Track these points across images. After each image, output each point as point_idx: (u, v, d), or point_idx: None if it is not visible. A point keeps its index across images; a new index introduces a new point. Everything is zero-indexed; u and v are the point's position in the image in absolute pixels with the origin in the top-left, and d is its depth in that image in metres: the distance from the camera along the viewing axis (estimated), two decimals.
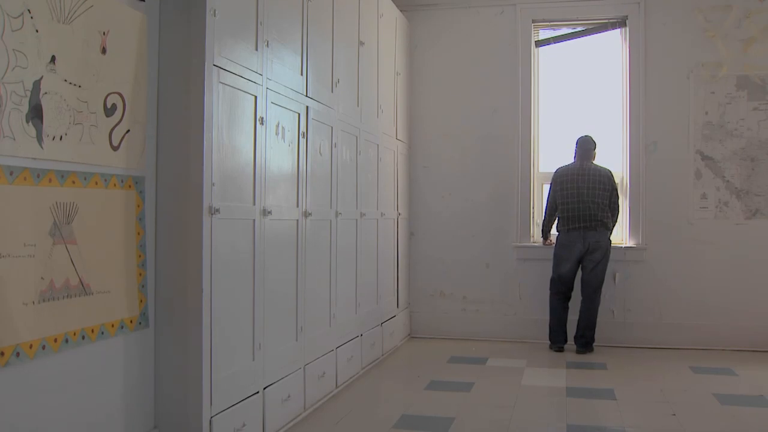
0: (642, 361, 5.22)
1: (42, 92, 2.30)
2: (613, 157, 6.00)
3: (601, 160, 5.76)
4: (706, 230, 5.73)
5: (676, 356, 5.38)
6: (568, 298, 5.60)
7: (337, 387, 4.32)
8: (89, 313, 2.54)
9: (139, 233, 2.83)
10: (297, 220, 3.75)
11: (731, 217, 5.70)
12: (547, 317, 5.66)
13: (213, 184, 2.91)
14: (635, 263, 5.79)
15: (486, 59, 6.14)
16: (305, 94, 3.84)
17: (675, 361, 5.22)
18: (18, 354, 2.21)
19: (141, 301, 2.83)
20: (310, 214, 3.86)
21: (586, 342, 5.47)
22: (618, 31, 6.01)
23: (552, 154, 6.05)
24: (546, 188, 6.12)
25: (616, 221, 5.63)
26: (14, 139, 2.19)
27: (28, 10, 2.24)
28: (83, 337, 2.51)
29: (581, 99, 6.11)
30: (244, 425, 3.15)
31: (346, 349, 4.48)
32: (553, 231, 5.80)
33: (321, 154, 4.08)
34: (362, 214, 4.79)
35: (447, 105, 6.22)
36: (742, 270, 5.64)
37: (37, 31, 2.28)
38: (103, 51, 2.61)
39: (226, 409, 3.00)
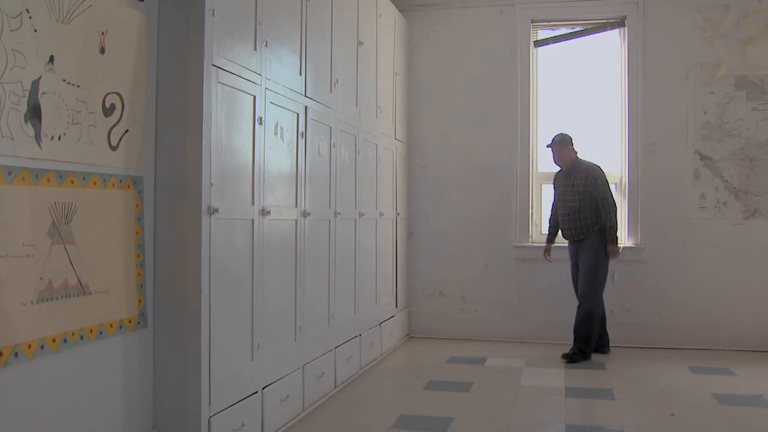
0: (641, 361, 5.22)
1: (41, 92, 2.30)
2: (612, 157, 6.00)
3: (602, 161, 5.74)
4: (705, 230, 5.73)
5: (675, 356, 5.38)
6: None
7: (335, 387, 4.32)
8: (88, 313, 2.54)
9: (137, 233, 2.83)
10: (296, 220, 3.75)
11: (730, 217, 5.70)
12: (544, 317, 5.64)
13: (212, 184, 2.91)
14: (634, 263, 5.79)
15: (485, 59, 6.14)
16: (304, 94, 3.84)
17: (674, 360, 5.22)
18: (17, 354, 2.20)
19: (140, 301, 2.83)
20: (308, 214, 3.86)
21: None
22: (617, 31, 6.01)
23: (551, 154, 6.04)
24: (546, 188, 6.12)
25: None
26: (13, 139, 2.19)
27: (27, 10, 2.24)
28: (82, 337, 2.51)
29: (580, 99, 6.11)
30: (242, 425, 3.15)
31: (344, 349, 4.48)
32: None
33: (320, 154, 4.08)
34: (361, 214, 4.78)
35: (446, 105, 6.22)
36: (741, 270, 5.64)
37: (35, 30, 2.27)
38: (102, 51, 2.61)
39: (224, 409, 3.00)
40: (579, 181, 5.27)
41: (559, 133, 5.46)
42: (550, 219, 5.62)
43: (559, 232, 5.53)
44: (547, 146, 5.44)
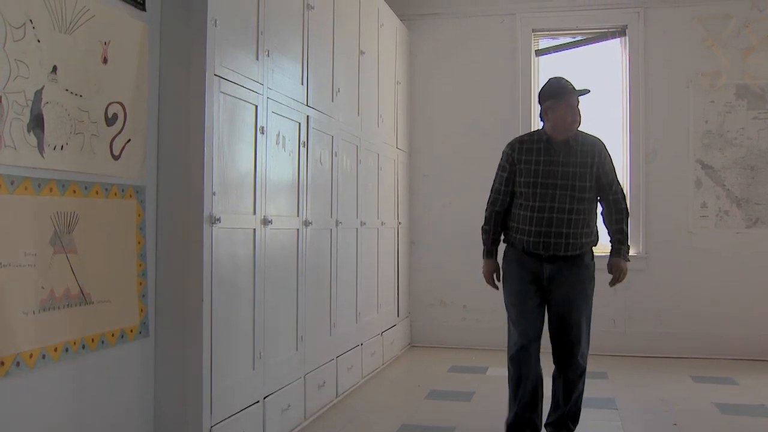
0: (643, 370, 5.20)
1: (43, 102, 2.31)
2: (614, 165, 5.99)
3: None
4: (706, 239, 5.72)
5: (676, 365, 5.37)
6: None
7: (337, 396, 4.31)
8: (89, 322, 2.54)
9: (139, 242, 2.83)
10: (297, 230, 3.75)
11: (732, 225, 5.70)
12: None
13: (213, 194, 2.91)
14: (636, 272, 5.76)
15: (486, 68, 6.15)
16: (306, 103, 3.84)
17: (676, 370, 5.21)
18: (18, 363, 2.20)
19: (141, 310, 2.83)
20: (310, 223, 3.86)
21: None
22: (618, 40, 6.03)
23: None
24: None
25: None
26: (15, 149, 2.19)
27: (30, 20, 2.25)
28: (83, 347, 2.51)
29: (581, 108, 6.10)
30: None
31: (346, 359, 4.47)
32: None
33: (321, 163, 4.08)
34: (362, 223, 4.79)
35: (447, 114, 6.23)
36: (743, 279, 5.63)
37: (38, 41, 2.28)
38: (105, 61, 2.62)
39: (226, 419, 3.00)
40: (587, 160, 3.38)
41: (561, 76, 3.52)
42: (489, 217, 3.57)
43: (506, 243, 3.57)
44: (564, 98, 3.35)
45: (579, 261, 3.36)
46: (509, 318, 3.45)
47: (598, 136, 3.52)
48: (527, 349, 3.34)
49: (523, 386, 3.34)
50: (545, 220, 3.31)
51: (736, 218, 5.69)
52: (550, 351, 3.41)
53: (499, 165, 3.53)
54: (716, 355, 5.58)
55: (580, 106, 3.40)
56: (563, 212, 3.31)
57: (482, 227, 3.61)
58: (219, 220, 2.92)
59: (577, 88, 3.38)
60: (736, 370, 5.16)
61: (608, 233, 3.50)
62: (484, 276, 3.62)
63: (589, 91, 3.39)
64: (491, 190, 3.58)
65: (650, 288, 5.77)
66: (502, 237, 3.59)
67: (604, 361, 5.49)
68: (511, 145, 3.49)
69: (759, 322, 5.58)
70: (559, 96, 3.36)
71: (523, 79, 6.08)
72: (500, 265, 3.57)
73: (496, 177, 3.55)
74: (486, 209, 3.59)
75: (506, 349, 3.46)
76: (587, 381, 3.47)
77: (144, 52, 2.83)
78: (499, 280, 3.56)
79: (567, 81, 3.43)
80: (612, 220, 3.47)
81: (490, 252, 3.58)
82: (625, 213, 3.48)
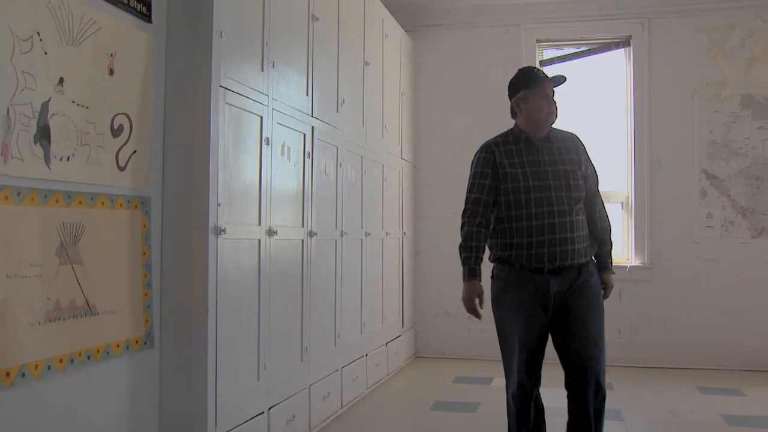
0: (648, 381, 5.18)
1: (50, 113, 2.32)
2: (619, 176, 6.00)
3: (608, 179, 5.70)
4: (711, 249, 5.71)
5: (683, 376, 5.34)
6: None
7: (342, 407, 4.30)
8: (94, 333, 2.54)
9: (144, 253, 2.83)
10: (302, 240, 3.75)
11: (737, 235, 5.68)
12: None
13: (219, 204, 2.91)
14: (641, 282, 5.77)
15: (490, 79, 6.14)
16: (311, 114, 3.86)
17: (682, 380, 5.18)
18: (23, 374, 2.21)
19: (146, 321, 2.83)
20: (315, 233, 3.86)
21: None
22: (622, 50, 6.04)
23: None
24: None
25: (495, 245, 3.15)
26: (22, 160, 2.20)
27: (38, 33, 2.26)
28: (88, 357, 2.51)
29: (586, 118, 6.12)
30: None
31: (351, 369, 4.47)
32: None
33: (326, 174, 4.09)
34: (367, 234, 4.79)
35: (452, 124, 6.24)
36: (749, 289, 5.61)
37: (45, 53, 2.30)
38: (111, 72, 2.63)
39: (230, 430, 2.99)
40: (573, 157, 3.03)
41: (532, 66, 3.36)
42: (470, 232, 3.00)
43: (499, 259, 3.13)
44: (537, 86, 3.03)
45: (585, 270, 2.93)
46: (509, 350, 3.04)
47: (574, 132, 3.19)
48: (533, 388, 3.02)
49: (527, 426, 3.04)
50: (546, 226, 2.87)
51: (741, 228, 5.68)
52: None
53: (476, 173, 3.00)
54: (723, 365, 5.55)
55: (556, 98, 3.07)
56: (564, 215, 2.88)
57: (462, 245, 3.01)
58: (224, 230, 2.93)
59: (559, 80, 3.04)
60: (743, 381, 5.13)
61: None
62: (466, 302, 3.06)
63: (565, 78, 3.05)
64: (467, 201, 3.01)
65: (656, 298, 5.75)
66: (489, 257, 3.11)
67: (610, 372, 5.41)
68: (487, 149, 3.01)
69: (766, 333, 5.55)
70: (532, 84, 3.01)
71: None
72: (495, 288, 3.16)
73: (472, 187, 2.99)
74: (463, 225, 3.01)
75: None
76: None
77: (150, 64, 2.85)
78: (482, 307, 3.09)
79: (539, 69, 3.13)
80: (598, 229, 3.04)
81: (473, 272, 3.02)
82: (608, 222, 3.10)
